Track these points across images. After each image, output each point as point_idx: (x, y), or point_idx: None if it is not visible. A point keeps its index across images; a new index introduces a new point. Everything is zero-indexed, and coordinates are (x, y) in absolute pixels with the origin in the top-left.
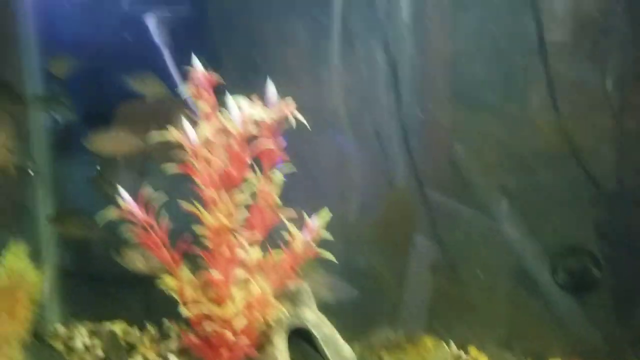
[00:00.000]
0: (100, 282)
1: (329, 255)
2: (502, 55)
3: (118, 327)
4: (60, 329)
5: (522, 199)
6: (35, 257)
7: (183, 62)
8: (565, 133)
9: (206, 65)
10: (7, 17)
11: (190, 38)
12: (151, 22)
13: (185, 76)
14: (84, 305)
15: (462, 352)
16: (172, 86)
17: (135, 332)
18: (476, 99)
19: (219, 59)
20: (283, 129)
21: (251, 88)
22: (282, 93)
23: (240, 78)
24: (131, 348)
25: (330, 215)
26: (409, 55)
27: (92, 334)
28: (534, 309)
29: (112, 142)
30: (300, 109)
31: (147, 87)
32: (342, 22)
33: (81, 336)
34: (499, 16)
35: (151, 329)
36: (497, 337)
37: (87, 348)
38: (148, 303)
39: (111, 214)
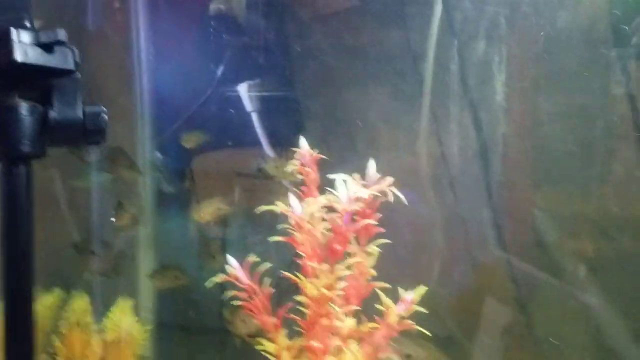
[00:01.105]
0: (196, 334)
1: (423, 330)
2: (590, 135)
3: None
4: None
5: (606, 268)
6: (139, 311)
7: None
8: None
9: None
10: (125, 92)
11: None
12: (246, 98)
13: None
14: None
15: None
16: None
17: None
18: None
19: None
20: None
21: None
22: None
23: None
24: None
25: (426, 289)
26: (498, 130)
27: None
28: None
29: (211, 211)
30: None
31: (279, 170)
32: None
33: None
34: (590, 98)
35: None
36: None
37: None
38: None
39: (218, 279)
